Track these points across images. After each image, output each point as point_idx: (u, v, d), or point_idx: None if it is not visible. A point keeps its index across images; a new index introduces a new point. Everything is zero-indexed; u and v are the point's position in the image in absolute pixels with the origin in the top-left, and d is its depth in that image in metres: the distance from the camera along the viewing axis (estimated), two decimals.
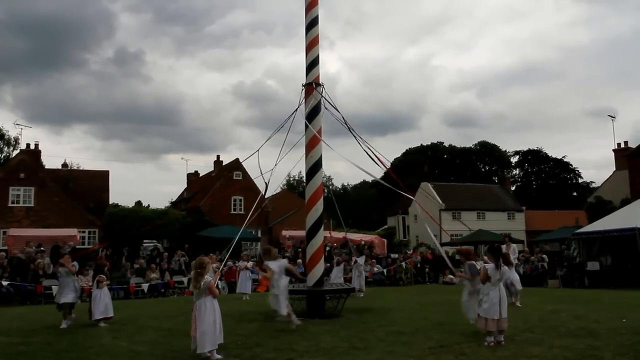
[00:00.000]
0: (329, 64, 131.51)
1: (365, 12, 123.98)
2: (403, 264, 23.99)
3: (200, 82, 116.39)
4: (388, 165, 13.74)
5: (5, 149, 47.63)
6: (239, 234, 11.31)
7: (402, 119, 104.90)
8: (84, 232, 29.02)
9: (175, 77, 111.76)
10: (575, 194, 61.75)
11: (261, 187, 13.24)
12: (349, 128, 11.95)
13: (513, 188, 58.55)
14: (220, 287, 15.88)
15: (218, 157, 44.88)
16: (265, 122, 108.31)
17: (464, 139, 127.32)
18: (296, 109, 11.53)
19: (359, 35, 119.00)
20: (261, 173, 11.62)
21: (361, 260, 17.80)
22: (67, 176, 35.65)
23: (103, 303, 10.11)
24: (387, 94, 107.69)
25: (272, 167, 11.54)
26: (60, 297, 10.34)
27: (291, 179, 68.83)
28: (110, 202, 37.69)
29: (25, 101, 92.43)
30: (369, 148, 11.99)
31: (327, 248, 23.22)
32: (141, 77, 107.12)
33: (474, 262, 8.67)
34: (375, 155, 11.98)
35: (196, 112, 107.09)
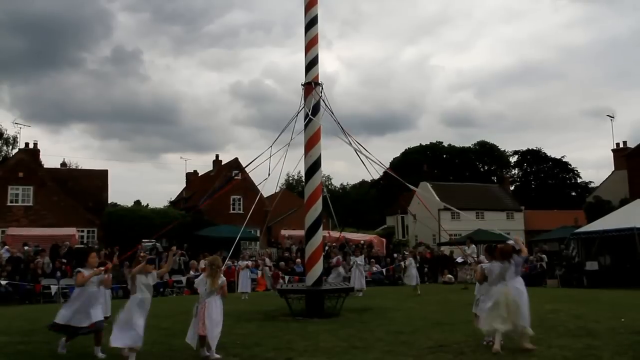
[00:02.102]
0: (327, 64, 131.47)
1: (363, 12, 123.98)
2: (402, 263, 24.00)
3: (199, 82, 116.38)
4: (385, 167, 13.92)
5: (4, 148, 47.59)
6: (238, 233, 11.30)
7: (401, 119, 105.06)
8: (82, 231, 28.99)
9: (173, 76, 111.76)
10: (574, 193, 61.79)
11: (261, 188, 13.26)
12: (344, 132, 11.97)
13: (512, 188, 58.60)
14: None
15: (217, 156, 44.84)
16: (263, 122, 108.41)
17: (462, 139, 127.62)
18: (301, 109, 11.49)
19: (357, 35, 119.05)
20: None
21: (360, 260, 17.82)
22: (66, 175, 35.60)
23: None
24: (386, 93, 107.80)
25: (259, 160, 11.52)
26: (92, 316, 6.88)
27: (290, 178, 68.87)
28: (109, 202, 37.68)
29: (22, 100, 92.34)
30: (362, 151, 12.02)
31: (326, 247, 23.24)
32: (139, 76, 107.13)
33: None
34: (366, 160, 12.03)
35: (194, 112, 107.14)
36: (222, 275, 7.01)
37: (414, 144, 72.85)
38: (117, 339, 6.44)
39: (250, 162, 11.71)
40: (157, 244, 27.97)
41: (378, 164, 12.33)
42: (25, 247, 20.32)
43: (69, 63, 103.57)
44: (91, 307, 6.89)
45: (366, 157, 12.00)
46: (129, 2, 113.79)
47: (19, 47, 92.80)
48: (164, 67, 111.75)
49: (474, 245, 19.51)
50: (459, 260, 23.58)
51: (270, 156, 11.41)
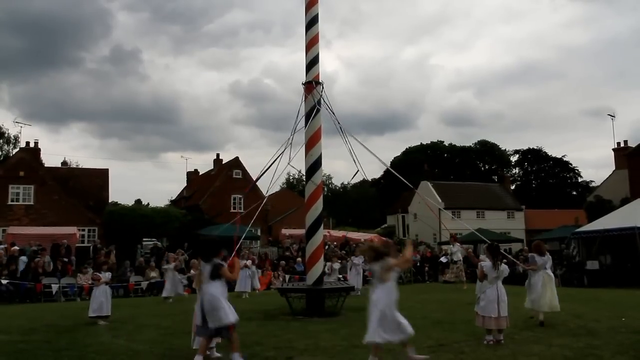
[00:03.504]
0: (327, 63, 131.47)
1: (363, 11, 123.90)
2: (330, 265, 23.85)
3: (198, 81, 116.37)
4: (386, 166, 13.99)
5: (5, 147, 47.60)
6: (244, 233, 11.29)
7: (400, 118, 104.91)
8: (83, 230, 28.98)
9: (172, 75, 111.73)
10: (574, 193, 61.78)
11: (262, 187, 13.17)
12: (342, 131, 11.94)
13: (513, 187, 58.57)
14: None
15: (218, 155, 44.77)
16: (262, 121, 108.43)
17: (462, 138, 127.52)
18: (313, 108, 11.41)
19: (356, 35, 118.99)
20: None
21: (359, 259, 17.77)
22: (67, 174, 35.61)
23: (97, 301, 10.09)
24: (385, 93, 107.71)
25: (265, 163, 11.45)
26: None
27: (291, 177, 68.82)
28: (109, 200, 37.68)
29: (22, 99, 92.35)
30: (364, 150, 11.98)
31: (326, 247, 23.22)
32: (138, 75, 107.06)
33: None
34: (364, 160, 11.96)
35: (194, 111, 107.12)
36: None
37: (413, 143, 72.93)
38: (389, 335, 6.00)
39: (270, 164, 11.49)
40: (158, 242, 28.01)
41: (381, 163, 12.33)
42: (14, 247, 20.18)
43: (68, 62, 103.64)
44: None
45: (367, 154, 11.96)
46: (128, 2, 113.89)
47: (18, 46, 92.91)
48: (163, 67, 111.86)
49: (459, 244, 19.57)
50: (443, 260, 23.49)
51: (289, 159, 11.27)
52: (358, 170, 11.86)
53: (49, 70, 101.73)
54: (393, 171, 12.94)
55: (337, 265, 17.67)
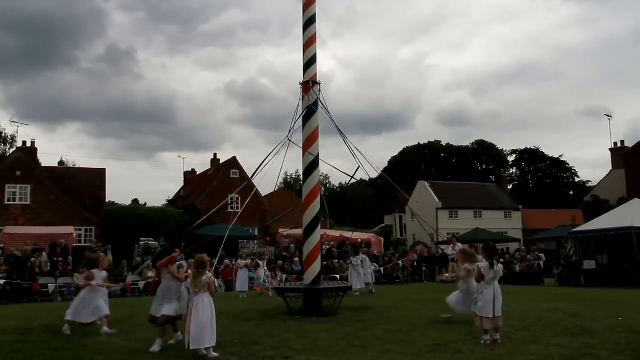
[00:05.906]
0: (322, 63, 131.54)
1: (359, 11, 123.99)
2: (400, 262, 24.00)
3: (194, 81, 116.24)
4: (380, 170, 13.95)
5: (2, 146, 47.45)
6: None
7: (396, 118, 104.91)
8: (80, 230, 28.95)
9: (168, 75, 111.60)
10: (571, 193, 61.89)
11: (260, 187, 13.07)
12: (340, 132, 11.95)
13: (510, 187, 58.64)
14: (217, 285, 15.93)
15: (215, 155, 44.87)
16: (258, 121, 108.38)
17: (458, 138, 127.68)
18: (311, 107, 11.41)
19: (352, 35, 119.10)
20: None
21: (356, 260, 17.74)
22: (64, 174, 35.51)
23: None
24: (381, 92, 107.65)
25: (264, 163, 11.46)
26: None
27: (288, 177, 68.82)
28: (107, 200, 37.62)
29: (17, 99, 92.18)
30: (357, 152, 11.99)
31: (325, 247, 23.21)
32: (133, 75, 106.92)
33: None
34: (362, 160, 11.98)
35: (190, 111, 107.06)
36: (207, 272, 6.94)
37: (410, 143, 73.03)
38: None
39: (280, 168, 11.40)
40: (155, 242, 27.99)
41: (373, 167, 12.36)
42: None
43: (63, 62, 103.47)
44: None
45: (360, 158, 11.97)
46: (123, 1, 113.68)
47: (13, 45, 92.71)
48: (159, 66, 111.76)
49: (460, 245, 19.52)
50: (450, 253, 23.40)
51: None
52: (359, 167, 11.85)
53: (44, 69, 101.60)
54: (387, 178, 12.93)
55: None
